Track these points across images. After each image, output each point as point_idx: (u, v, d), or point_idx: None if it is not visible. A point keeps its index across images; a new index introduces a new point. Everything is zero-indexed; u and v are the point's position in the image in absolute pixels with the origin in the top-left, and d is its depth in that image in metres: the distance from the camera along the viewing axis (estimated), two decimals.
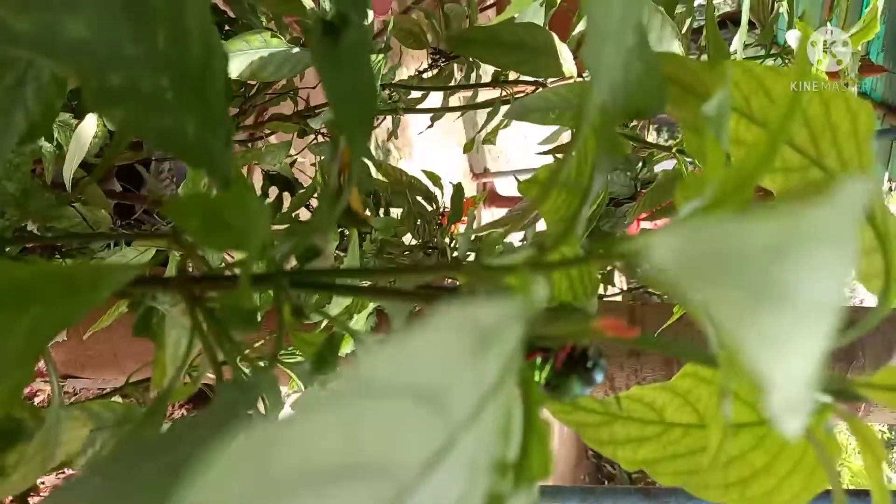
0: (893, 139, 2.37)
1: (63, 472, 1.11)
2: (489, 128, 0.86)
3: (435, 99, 1.00)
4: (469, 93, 0.98)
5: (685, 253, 0.06)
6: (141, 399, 0.64)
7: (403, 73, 1.17)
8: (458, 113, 0.97)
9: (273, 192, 0.89)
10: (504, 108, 0.79)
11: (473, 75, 0.94)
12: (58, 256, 0.73)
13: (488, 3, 1.57)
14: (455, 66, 1.01)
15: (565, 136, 0.94)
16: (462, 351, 0.09)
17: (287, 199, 0.87)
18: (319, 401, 0.07)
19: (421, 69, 1.02)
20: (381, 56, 0.61)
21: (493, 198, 3.15)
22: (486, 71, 0.93)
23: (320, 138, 0.90)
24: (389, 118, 1.04)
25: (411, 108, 0.91)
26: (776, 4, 0.85)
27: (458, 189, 0.95)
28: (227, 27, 0.86)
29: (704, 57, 0.72)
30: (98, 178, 0.76)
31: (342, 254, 0.81)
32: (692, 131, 0.24)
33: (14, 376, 0.25)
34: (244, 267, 0.20)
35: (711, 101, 0.17)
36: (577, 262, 0.18)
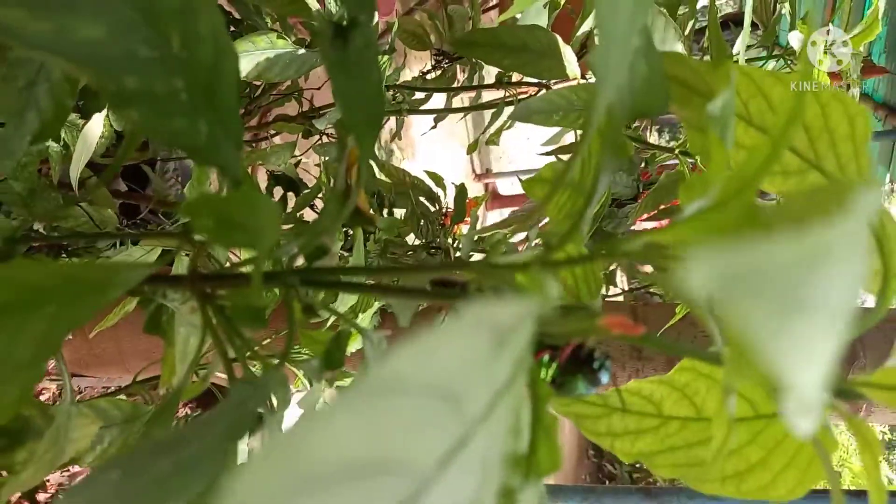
0: (895, 140, 2.37)
1: (68, 471, 1.12)
2: (493, 129, 0.87)
3: (438, 100, 1.01)
4: (472, 94, 0.98)
5: (721, 272, 0.07)
6: (147, 398, 0.65)
7: (407, 75, 1.17)
8: (462, 114, 0.98)
9: (278, 192, 0.89)
10: (508, 110, 0.80)
11: (476, 77, 0.94)
12: (64, 256, 0.73)
13: (491, 5, 1.57)
14: (458, 67, 1.02)
15: (567, 138, 0.94)
16: (480, 350, 0.09)
17: (291, 199, 0.88)
18: (345, 398, 0.08)
19: (424, 70, 1.03)
20: (385, 57, 0.62)
21: (495, 198, 3.16)
22: (489, 72, 0.94)
23: (325, 139, 0.90)
24: (392, 119, 1.04)
25: (415, 109, 0.92)
26: (778, 6, 0.85)
27: (461, 190, 0.95)
28: (231, 28, 0.86)
29: (706, 58, 0.72)
30: (110, 179, 0.77)
31: (346, 254, 0.82)
32: (696, 130, 0.25)
33: (26, 375, 0.26)
34: (256, 265, 0.21)
35: (716, 100, 0.18)
36: (583, 260, 0.18)
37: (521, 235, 1.14)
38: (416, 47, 0.95)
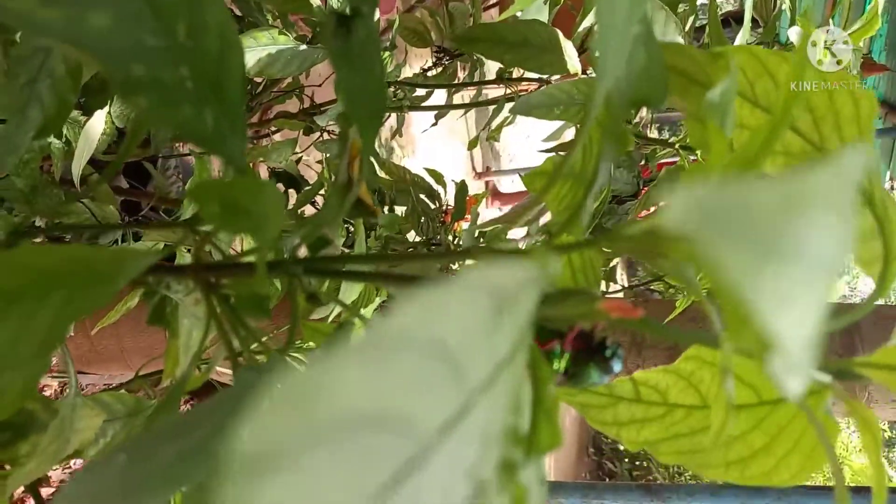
0: (895, 138, 2.37)
1: (69, 467, 1.12)
2: (493, 125, 0.87)
3: (439, 98, 1.01)
4: (473, 91, 0.98)
5: (699, 209, 0.07)
6: (150, 393, 0.65)
7: (408, 72, 1.17)
8: (462, 111, 0.98)
9: (279, 188, 0.89)
10: (508, 106, 0.80)
11: (477, 73, 0.94)
12: None
13: (491, 2, 1.57)
14: (458, 64, 1.02)
15: (568, 135, 0.94)
16: (481, 312, 0.10)
17: (293, 196, 0.88)
18: (349, 350, 0.08)
19: (425, 67, 1.03)
20: (386, 54, 0.62)
21: (495, 195, 3.16)
22: (490, 70, 0.94)
23: (326, 136, 0.91)
24: (393, 116, 1.04)
25: (416, 106, 0.92)
26: (778, 2, 0.85)
27: (461, 187, 0.96)
28: None
29: None
30: (111, 176, 0.77)
31: (347, 250, 0.82)
32: (696, 121, 0.25)
33: (33, 365, 0.26)
34: (261, 252, 0.21)
35: (715, 88, 0.18)
36: (584, 245, 0.18)
37: (523, 232, 1.14)
38: (416, 44, 0.95)
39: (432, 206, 1.03)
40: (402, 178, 1.02)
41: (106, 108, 0.74)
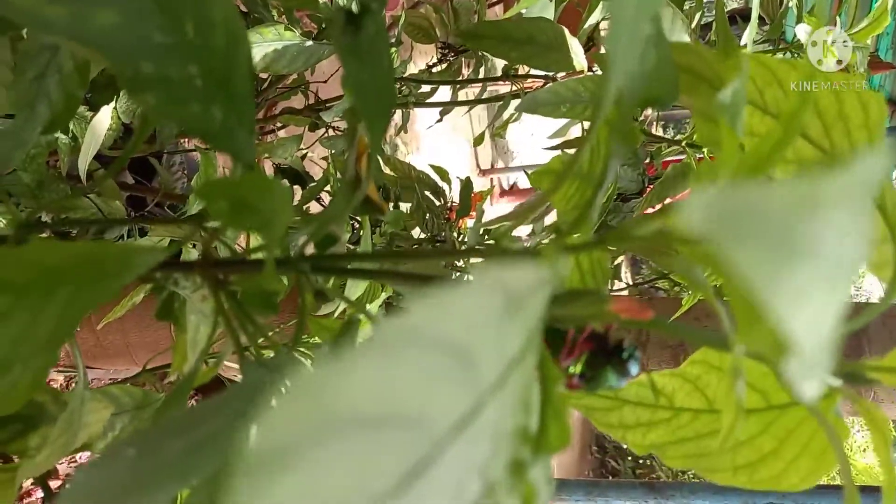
0: None
1: (75, 461, 1.12)
2: (499, 122, 0.87)
3: (443, 96, 1.01)
4: (477, 89, 0.98)
5: (714, 209, 0.07)
6: (156, 387, 0.65)
7: (412, 69, 1.17)
8: (467, 108, 0.98)
9: (286, 185, 0.89)
10: (514, 103, 0.80)
11: (482, 70, 0.94)
12: None
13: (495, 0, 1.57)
14: (463, 61, 1.02)
15: (573, 133, 0.94)
16: (493, 313, 0.10)
17: (298, 192, 0.88)
18: (362, 347, 0.08)
19: (430, 64, 1.03)
20: (392, 49, 0.62)
21: (514, 191, 3.17)
22: (495, 67, 0.94)
23: (331, 132, 0.91)
24: (398, 113, 1.04)
25: (421, 102, 0.92)
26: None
27: (466, 183, 0.95)
28: None
29: None
30: (118, 171, 0.77)
31: (352, 247, 0.82)
32: (705, 120, 0.25)
33: (42, 359, 0.26)
34: (269, 249, 0.21)
35: (727, 88, 0.18)
36: (594, 245, 0.18)
37: (527, 229, 1.14)
38: (421, 41, 0.95)
39: (437, 203, 1.03)
40: (407, 175, 1.02)
41: (112, 104, 0.74)
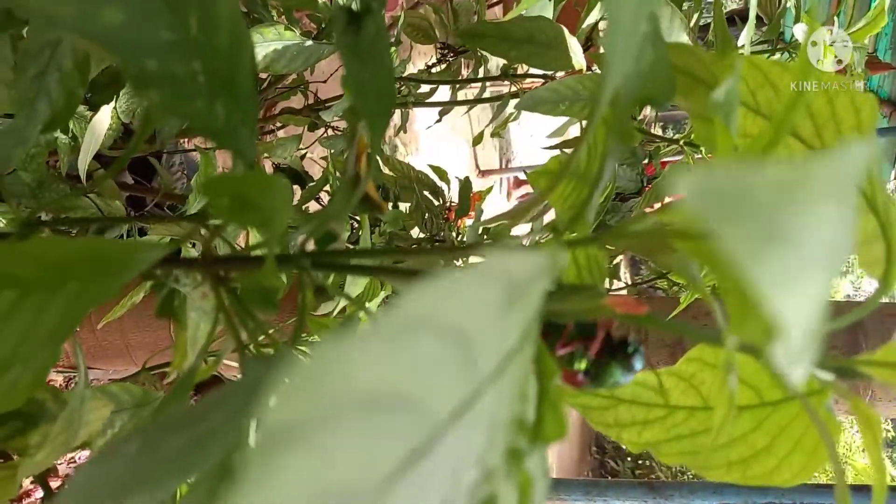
0: None
1: (74, 462, 1.12)
2: (498, 121, 0.87)
3: (442, 96, 1.01)
4: (476, 90, 0.99)
5: (704, 187, 0.07)
6: (156, 386, 0.65)
7: (411, 70, 1.18)
8: (466, 109, 0.98)
9: (287, 183, 0.89)
10: (513, 103, 0.80)
11: (481, 70, 0.94)
12: None
13: (494, 0, 1.57)
14: (462, 62, 1.02)
15: (572, 131, 0.94)
16: (492, 299, 0.10)
17: (297, 192, 0.88)
18: (366, 330, 0.08)
19: (429, 64, 1.03)
20: (392, 50, 0.62)
21: (516, 183, 3.18)
22: (493, 68, 0.94)
23: (330, 132, 0.91)
24: (397, 113, 1.05)
25: (421, 102, 0.92)
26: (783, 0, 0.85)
27: (465, 183, 0.96)
28: None
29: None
30: (118, 171, 0.77)
31: (351, 246, 0.82)
32: (701, 121, 0.25)
33: (44, 355, 0.26)
34: (269, 245, 0.21)
35: (720, 87, 0.18)
36: (591, 240, 0.19)
37: (526, 228, 1.14)
38: (421, 41, 0.95)
39: (436, 203, 1.03)
40: (406, 175, 1.02)
41: (112, 104, 0.74)
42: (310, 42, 0.57)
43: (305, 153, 0.99)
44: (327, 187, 0.76)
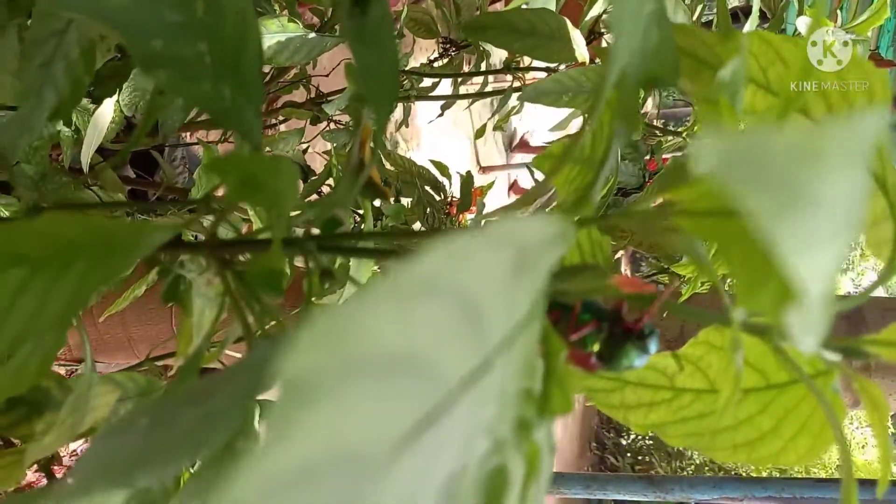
0: None
1: (76, 453, 1.13)
2: (501, 114, 0.87)
3: (443, 90, 1.01)
4: (478, 85, 0.99)
5: (724, 151, 0.07)
6: (159, 377, 0.65)
7: (413, 64, 1.18)
8: (467, 104, 0.98)
9: (294, 165, 0.90)
10: (515, 96, 0.80)
11: (483, 65, 0.94)
12: None
13: None
14: (464, 56, 1.02)
15: (574, 126, 0.94)
16: (502, 265, 0.10)
17: (300, 185, 0.88)
18: (379, 290, 0.08)
19: (432, 58, 1.03)
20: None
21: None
22: (495, 63, 0.94)
23: (333, 125, 0.91)
24: (399, 108, 1.04)
25: (423, 95, 0.92)
26: None
27: (467, 178, 0.96)
28: None
29: None
30: (120, 163, 0.78)
31: None
32: (705, 103, 0.25)
33: (51, 338, 0.26)
34: (276, 228, 0.21)
35: (726, 66, 0.18)
36: (598, 219, 0.19)
37: None
38: (423, 35, 0.95)
39: (437, 198, 1.03)
40: (408, 170, 1.02)
41: (115, 97, 0.74)
42: (313, 34, 0.57)
43: (308, 147, 0.99)
44: (330, 181, 0.76)
